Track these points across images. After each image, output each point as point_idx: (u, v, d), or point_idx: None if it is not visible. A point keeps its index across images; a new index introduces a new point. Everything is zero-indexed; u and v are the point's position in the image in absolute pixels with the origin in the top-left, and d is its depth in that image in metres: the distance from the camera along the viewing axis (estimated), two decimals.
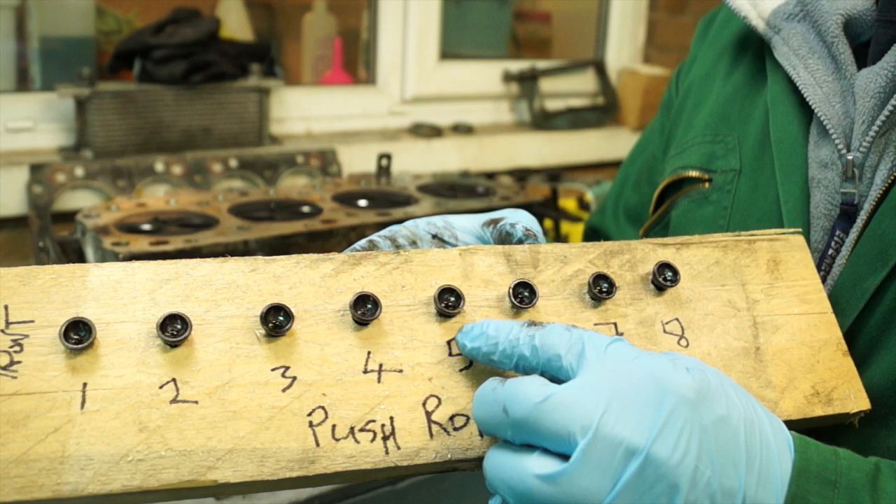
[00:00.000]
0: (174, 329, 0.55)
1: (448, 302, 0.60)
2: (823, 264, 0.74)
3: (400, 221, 0.71)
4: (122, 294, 0.56)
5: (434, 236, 0.69)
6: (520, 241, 0.66)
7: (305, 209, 1.38)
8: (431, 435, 0.56)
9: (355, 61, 2.22)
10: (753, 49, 0.88)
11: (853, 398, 0.65)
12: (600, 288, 0.63)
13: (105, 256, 1.13)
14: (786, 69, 0.80)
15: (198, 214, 1.30)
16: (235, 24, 2.07)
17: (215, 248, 1.16)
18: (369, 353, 0.58)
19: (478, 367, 0.59)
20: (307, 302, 0.59)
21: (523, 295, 0.61)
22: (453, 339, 0.60)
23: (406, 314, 0.60)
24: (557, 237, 1.86)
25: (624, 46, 2.43)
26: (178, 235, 1.19)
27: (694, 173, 0.86)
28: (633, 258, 0.66)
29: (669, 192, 0.90)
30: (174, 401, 0.53)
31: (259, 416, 0.54)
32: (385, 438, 0.55)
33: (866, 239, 0.70)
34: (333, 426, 0.55)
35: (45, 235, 1.48)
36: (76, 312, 0.54)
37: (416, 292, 0.61)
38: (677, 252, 0.67)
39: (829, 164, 0.75)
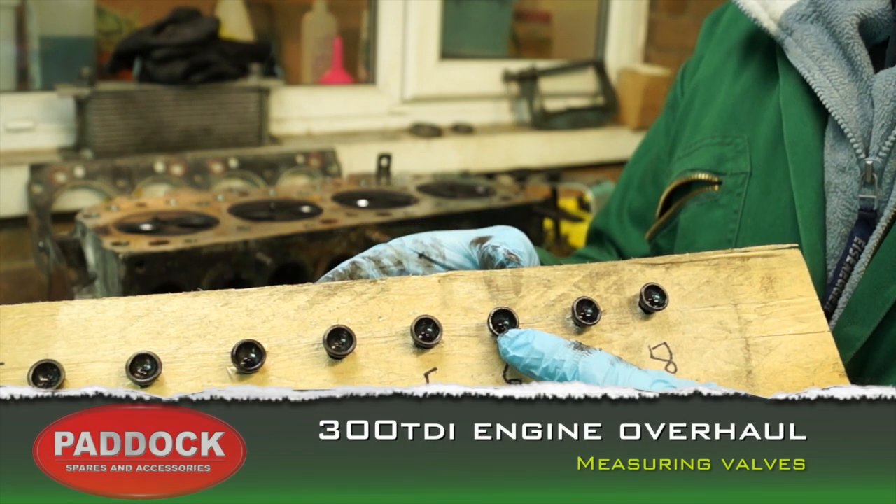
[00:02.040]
0: (144, 369, 0.53)
1: (425, 333, 0.58)
2: (841, 272, 0.72)
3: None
4: (93, 333, 0.55)
5: (421, 255, 0.67)
6: (502, 265, 0.64)
7: (305, 209, 1.38)
8: None
9: (355, 61, 2.22)
10: (763, 49, 0.86)
11: None
12: (584, 314, 0.61)
13: (105, 256, 1.13)
14: (800, 71, 0.78)
15: (198, 214, 1.30)
16: (235, 24, 2.07)
17: (215, 247, 1.16)
18: None
19: None
20: (281, 336, 0.57)
21: (503, 323, 0.59)
22: (431, 370, 0.58)
23: (382, 346, 0.58)
24: (557, 237, 1.86)
25: (624, 46, 2.43)
26: (178, 235, 1.19)
27: (703, 176, 0.84)
28: (619, 280, 0.64)
29: (677, 194, 0.88)
30: None
31: None
32: None
33: (887, 246, 0.68)
34: None
35: (45, 235, 1.48)
36: (46, 353, 0.53)
37: (394, 323, 0.59)
38: (667, 272, 0.64)
39: (847, 168, 0.73)
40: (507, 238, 0.67)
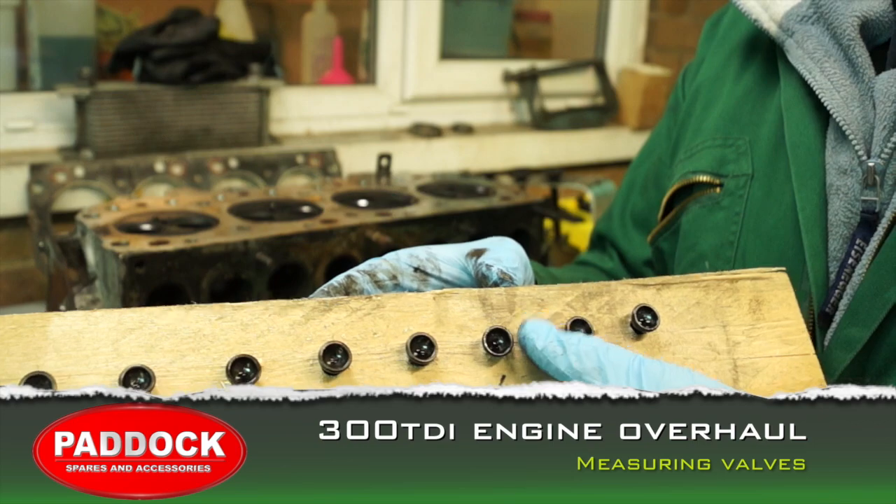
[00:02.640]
0: (137, 383, 0.53)
1: (420, 350, 0.58)
2: (843, 273, 0.72)
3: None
4: (84, 345, 0.55)
5: (416, 269, 0.67)
6: (496, 285, 0.65)
7: (305, 209, 1.38)
8: None
9: (355, 61, 2.22)
10: (763, 50, 0.86)
11: None
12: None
13: (105, 256, 1.13)
14: (801, 73, 0.77)
15: (198, 214, 1.30)
16: (235, 24, 2.07)
17: (215, 247, 1.16)
18: None
19: None
20: (276, 351, 0.57)
21: (497, 342, 0.60)
22: None
23: (377, 363, 0.59)
24: (557, 237, 1.86)
25: (624, 46, 2.43)
26: (178, 235, 1.19)
27: (704, 178, 0.84)
28: (611, 300, 0.64)
29: (679, 197, 0.88)
30: None
31: None
32: None
33: (888, 248, 0.68)
34: None
35: (45, 235, 1.48)
36: (36, 365, 0.53)
37: (388, 339, 0.60)
38: (658, 293, 0.65)
39: (849, 170, 0.73)
40: (502, 253, 0.67)
